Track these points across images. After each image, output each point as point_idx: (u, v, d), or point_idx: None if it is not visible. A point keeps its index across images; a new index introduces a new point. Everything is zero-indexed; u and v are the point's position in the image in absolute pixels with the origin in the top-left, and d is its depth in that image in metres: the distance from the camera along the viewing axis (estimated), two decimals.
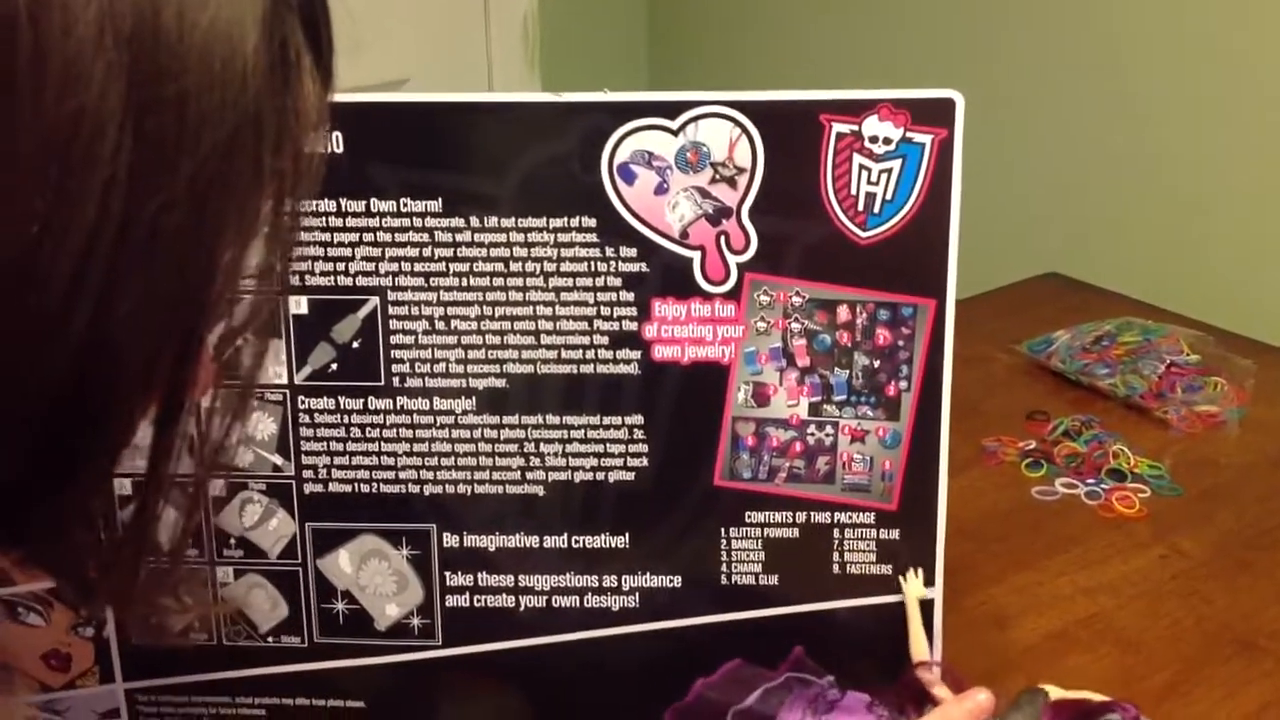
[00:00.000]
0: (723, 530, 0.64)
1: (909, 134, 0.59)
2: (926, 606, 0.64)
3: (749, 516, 0.64)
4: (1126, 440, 0.99)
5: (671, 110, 0.59)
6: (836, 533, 0.64)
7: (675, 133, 0.59)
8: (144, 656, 0.66)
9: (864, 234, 0.60)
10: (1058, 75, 1.43)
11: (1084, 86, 1.41)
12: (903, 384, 0.62)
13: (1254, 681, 0.74)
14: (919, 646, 0.63)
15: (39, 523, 0.35)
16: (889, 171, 0.60)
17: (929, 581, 0.64)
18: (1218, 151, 1.31)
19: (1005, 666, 0.74)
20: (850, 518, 0.64)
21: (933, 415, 0.62)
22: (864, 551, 0.64)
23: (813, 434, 0.63)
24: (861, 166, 0.60)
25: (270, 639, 0.65)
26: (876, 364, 0.62)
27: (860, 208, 0.60)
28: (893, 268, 0.61)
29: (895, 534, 0.64)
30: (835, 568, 0.64)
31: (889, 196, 0.60)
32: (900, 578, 0.64)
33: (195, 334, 0.35)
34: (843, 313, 0.61)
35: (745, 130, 0.59)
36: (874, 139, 0.59)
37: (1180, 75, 1.33)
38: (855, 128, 0.59)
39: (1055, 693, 0.61)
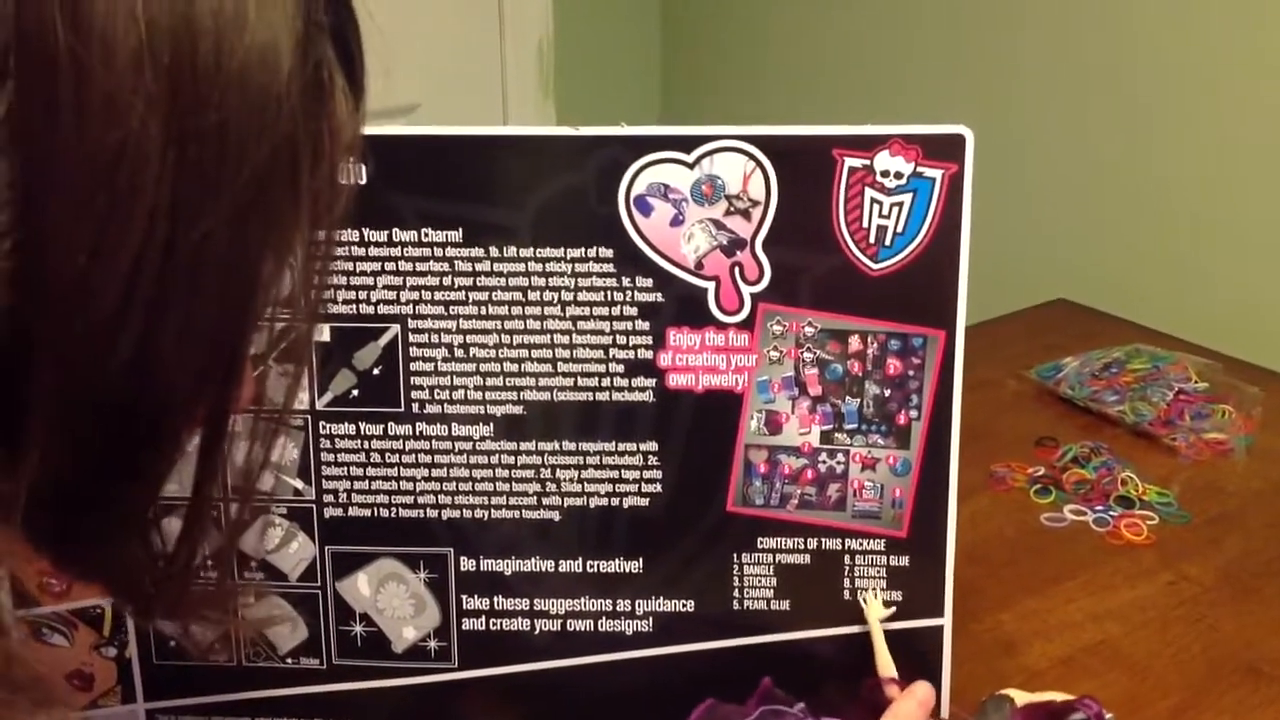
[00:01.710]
0: (735, 556, 0.65)
1: (920, 168, 0.60)
2: (933, 633, 0.65)
3: (760, 542, 0.65)
4: (1135, 467, 1.00)
5: (687, 144, 0.61)
6: (847, 559, 0.64)
7: (691, 166, 0.61)
8: (165, 677, 0.67)
9: (875, 266, 0.62)
10: (1067, 103, 1.44)
11: (1094, 114, 1.42)
12: (913, 413, 0.63)
13: (1260, 708, 0.75)
14: (885, 664, 0.64)
15: (95, 534, 0.36)
16: (900, 205, 0.61)
17: (938, 610, 0.65)
18: (1227, 180, 1.32)
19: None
20: (861, 544, 0.64)
21: (943, 444, 0.63)
22: (874, 578, 0.65)
23: (824, 461, 0.64)
24: (873, 200, 0.61)
25: (289, 660, 0.66)
26: (887, 393, 0.63)
27: (872, 240, 0.61)
28: (903, 299, 0.62)
29: (905, 561, 0.65)
30: (845, 594, 0.65)
31: (900, 229, 0.61)
32: (861, 600, 0.65)
33: (239, 353, 0.35)
34: (854, 342, 0.62)
35: (759, 164, 0.60)
36: (885, 173, 0.60)
37: (1189, 103, 1.33)
38: (867, 162, 0.60)
39: (1021, 697, 0.62)
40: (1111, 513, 0.94)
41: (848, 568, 0.64)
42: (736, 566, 0.65)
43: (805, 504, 0.64)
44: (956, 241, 0.61)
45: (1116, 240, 1.41)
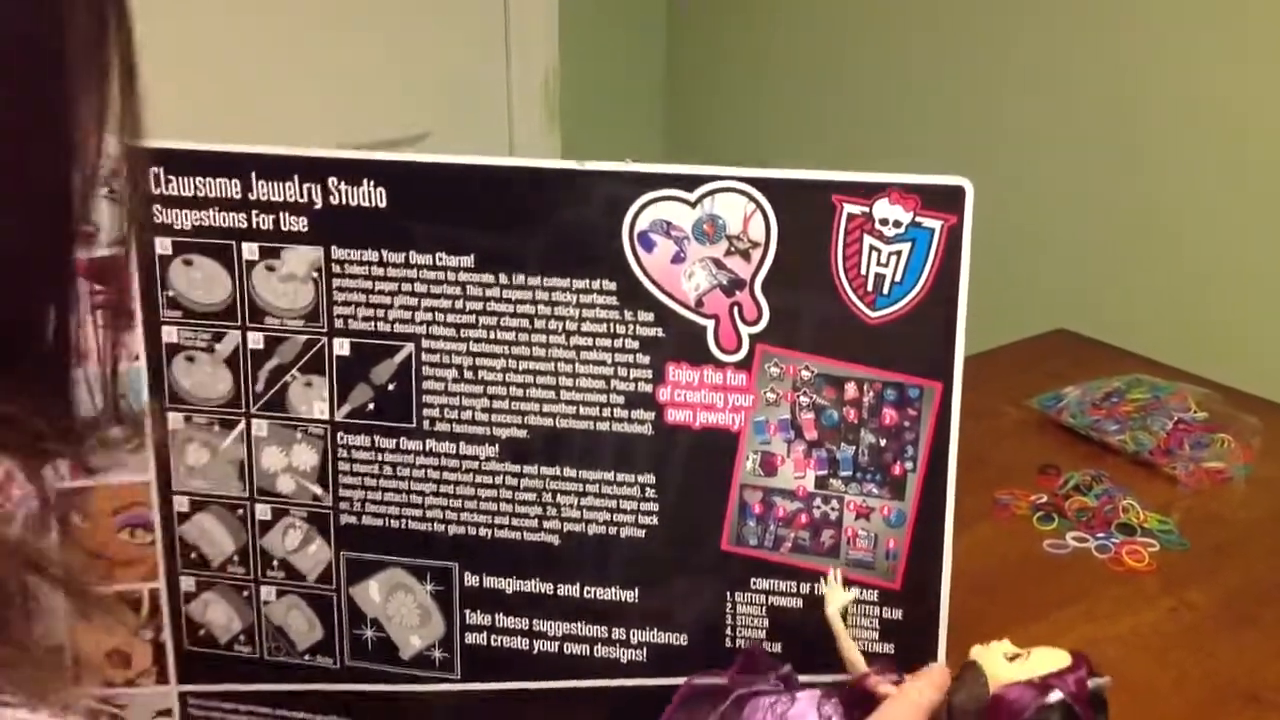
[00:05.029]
0: (729, 594, 0.64)
1: (919, 218, 0.60)
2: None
3: (754, 583, 0.64)
4: (1136, 495, 1.00)
5: (690, 183, 0.61)
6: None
7: (693, 205, 0.61)
8: (197, 663, 0.70)
9: (873, 314, 0.61)
10: (1067, 136, 1.42)
11: (1094, 147, 1.40)
12: (908, 464, 0.62)
13: None
14: (853, 661, 0.61)
15: None
16: (898, 254, 0.60)
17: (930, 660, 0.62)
18: (1226, 212, 1.29)
19: None
20: (868, 586, 0.63)
21: (938, 498, 0.62)
22: (867, 629, 0.64)
23: (819, 507, 0.63)
24: (872, 247, 0.60)
25: (307, 657, 0.69)
26: (883, 443, 0.62)
27: (870, 288, 0.61)
28: (900, 348, 0.61)
29: (899, 614, 0.63)
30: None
31: (898, 279, 0.60)
32: (822, 578, 0.63)
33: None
34: (850, 389, 0.62)
35: (760, 206, 0.60)
36: (884, 221, 0.60)
37: (1188, 137, 1.31)
38: (866, 209, 0.60)
39: (997, 656, 0.58)
40: (1113, 540, 0.95)
41: (841, 615, 0.62)
42: (730, 605, 0.65)
43: (799, 548, 0.64)
44: (955, 294, 0.60)
45: (1116, 271, 1.39)
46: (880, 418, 0.62)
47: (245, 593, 0.69)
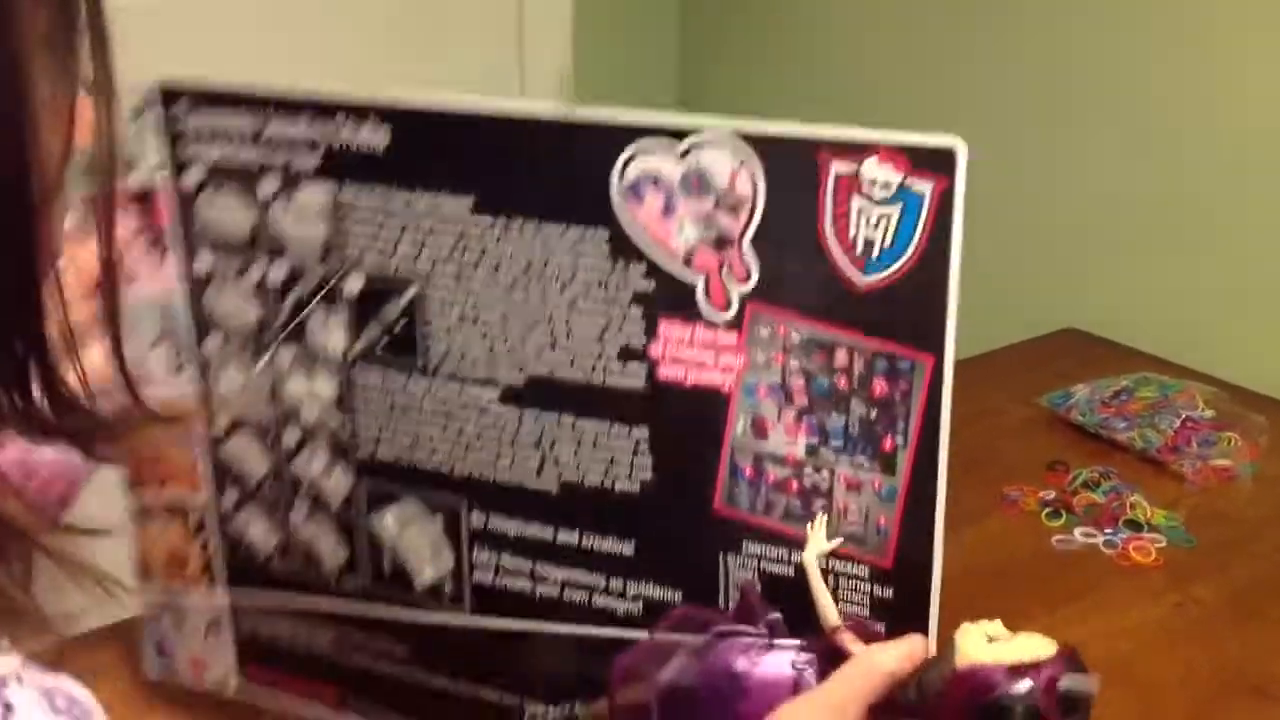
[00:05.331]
0: (721, 556, 0.63)
1: (908, 180, 0.55)
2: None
3: (746, 546, 0.62)
4: (1143, 492, 1.01)
5: (677, 135, 0.58)
6: (831, 580, 0.61)
7: (681, 157, 0.58)
8: (240, 576, 0.74)
9: (863, 279, 0.57)
10: (1074, 132, 1.39)
11: (1104, 143, 1.37)
12: (899, 439, 0.58)
13: None
14: (825, 611, 0.59)
15: None
16: (888, 217, 0.56)
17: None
18: (1236, 209, 1.27)
19: None
20: (845, 567, 0.61)
21: (929, 475, 0.58)
22: (857, 605, 0.61)
23: (809, 475, 0.60)
24: (860, 210, 0.56)
25: (333, 580, 0.72)
26: (874, 414, 0.58)
27: (859, 252, 0.57)
28: (891, 317, 0.57)
29: (889, 593, 0.60)
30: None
31: (888, 243, 0.56)
32: (807, 530, 0.60)
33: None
34: (840, 357, 0.58)
35: (746, 160, 0.57)
36: (873, 182, 0.55)
37: (1199, 132, 1.28)
38: (855, 169, 0.56)
39: (977, 638, 0.55)
40: (1120, 535, 0.96)
41: (831, 589, 0.61)
42: (723, 568, 0.63)
43: (790, 514, 0.61)
44: (946, 261, 0.55)
45: (1124, 270, 1.37)
46: (870, 388, 0.58)
47: (278, 513, 0.72)
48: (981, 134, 0.59)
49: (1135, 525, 0.97)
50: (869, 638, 0.59)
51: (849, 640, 0.59)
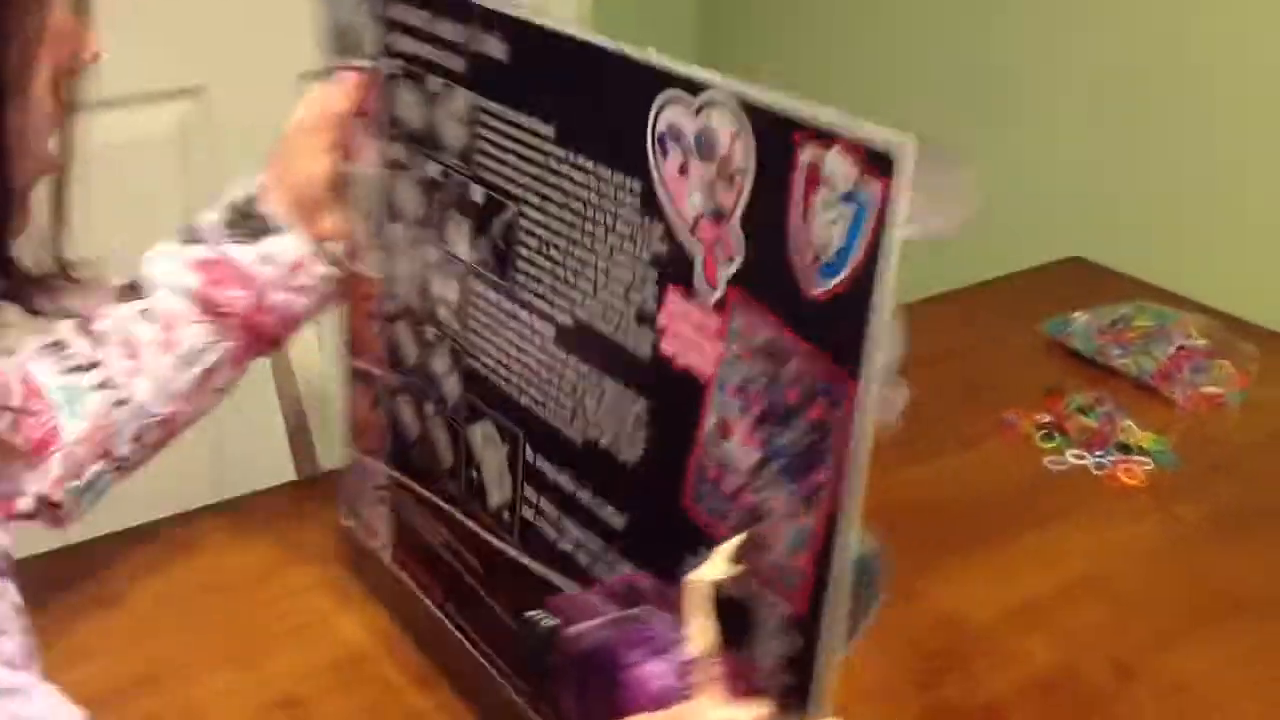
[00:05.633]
0: (685, 553, 0.56)
1: (862, 179, 0.46)
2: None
3: (702, 552, 0.55)
4: (1135, 417, 1.05)
5: (693, 89, 0.53)
6: (756, 612, 0.53)
7: (696, 113, 0.53)
8: (398, 451, 0.80)
9: (816, 285, 0.49)
10: (1081, 67, 1.43)
11: (1107, 80, 1.41)
12: (824, 474, 0.49)
13: (1241, 636, 0.81)
14: (698, 640, 0.52)
15: None
16: (844, 219, 0.47)
17: (810, 712, 0.51)
18: (1234, 147, 1.31)
19: (1010, 616, 0.82)
20: (771, 600, 0.53)
21: (839, 521, 0.48)
22: (775, 651, 0.53)
23: (757, 491, 0.53)
24: (824, 204, 0.48)
25: (445, 481, 0.75)
26: (809, 440, 0.50)
27: (816, 254, 0.48)
28: (836, 333, 0.48)
29: (802, 644, 0.51)
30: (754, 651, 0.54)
31: (840, 246, 0.47)
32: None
33: None
34: (793, 367, 0.50)
35: (742, 128, 0.51)
36: (832, 176, 0.47)
37: (1197, 70, 1.32)
38: (820, 156, 0.47)
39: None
40: (1110, 458, 1.00)
41: (756, 623, 0.53)
42: (687, 564, 0.55)
43: (738, 529, 0.54)
44: (877, 282, 0.45)
45: (1127, 201, 1.41)
46: (812, 408, 0.50)
47: (420, 404, 0.76)
48: (989, 70, 0.54)
49: (1125, 448, 1.01)
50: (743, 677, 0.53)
51: (704, 677, 0.52)
